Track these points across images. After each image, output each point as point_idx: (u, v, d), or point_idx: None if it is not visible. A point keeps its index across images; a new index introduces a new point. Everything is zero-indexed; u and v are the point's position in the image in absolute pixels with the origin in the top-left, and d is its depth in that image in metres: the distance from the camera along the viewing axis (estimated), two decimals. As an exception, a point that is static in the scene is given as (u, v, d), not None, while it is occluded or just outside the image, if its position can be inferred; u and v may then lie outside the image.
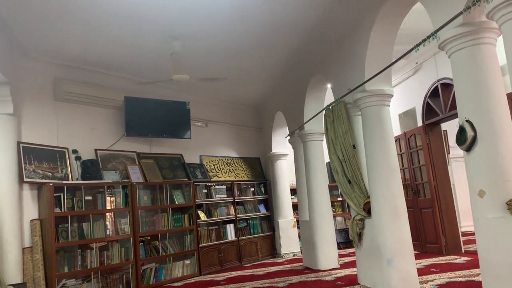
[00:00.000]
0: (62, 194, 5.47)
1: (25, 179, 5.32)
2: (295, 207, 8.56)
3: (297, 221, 8.22)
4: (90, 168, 6.02)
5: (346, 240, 8.90)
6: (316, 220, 6.50)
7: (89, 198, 5.81)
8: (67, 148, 6.03)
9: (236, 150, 8.95)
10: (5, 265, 4.87)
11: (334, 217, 8.54)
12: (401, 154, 7.62)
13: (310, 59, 6.29)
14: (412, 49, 3.70)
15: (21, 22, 4.94)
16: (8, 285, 4.67)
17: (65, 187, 5.53)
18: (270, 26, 5.56)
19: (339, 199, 9.27)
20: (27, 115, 5.68)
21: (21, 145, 5.42)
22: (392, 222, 4.52)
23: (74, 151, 6.14)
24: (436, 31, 3.33)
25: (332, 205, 8.61)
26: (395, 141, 7.62)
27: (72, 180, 5.87)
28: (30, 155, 5.49)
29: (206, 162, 8.19)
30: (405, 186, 7.32)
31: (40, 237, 5.35)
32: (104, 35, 5.42)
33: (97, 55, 6.07)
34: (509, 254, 2.81)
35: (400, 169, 7.34)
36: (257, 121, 9.42)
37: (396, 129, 7.93)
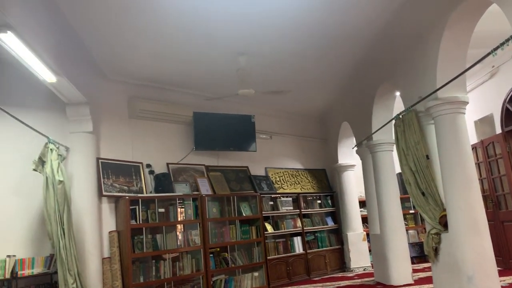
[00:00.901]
0: (137, 207, 5.73)
1: (104, 193, 5.66)
2: (364, 219, 8.31)
3: (367, 234, 7.97)
4: (163, 181, 6.27)
5: (420, 255, 8.47)
6: (388, 233, 6.26)
7: (162, 210, 6.04)
8: (141, 163, 6.34)
9: (301, 162, 8.90)
10: (87, 274, 5.18)
11: (407, 230, 8.13)
12: (478, 164, 7.14)
13: (377, 67, 6.14)
14: (489, 53, 3.48)
15: (99, 47, 5.32)
16: (90, 293, 4.96)
17: (140, 200, 5.80)
18: (335, 37, 5.51)
19: (411, 211, 8.86)
20: (104, 132, 6.06)
21: (100, 161, 5.78)
22: (471, 236, 4.23)
23: (148, 165, 6.43)
24: (516, 33, 3.11)
25: (404, 218, 8.23)
26: (472, 149, 7.21)
27: (146, 193, 6.15)
28: (108, 170, 5.84)
29: (272, 174, 8.22)
30: (484, 198, 6.83)
31: (118, 248, 5.64)
32: (174, 54, 5.68)
33: (167, 74, 6.36)
34: None
35: (478, 180, 6.95)
36: (322, 132, 9.31)
37: (472, 137, 7.44)
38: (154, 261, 5.81)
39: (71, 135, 5.54)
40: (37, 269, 4.93)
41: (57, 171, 4.77)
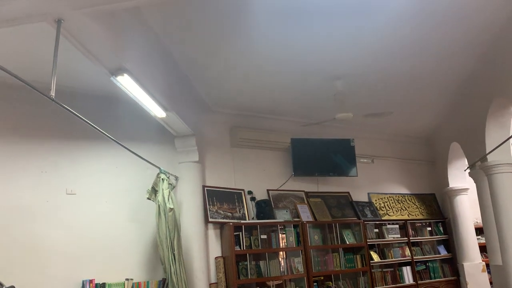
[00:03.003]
0: (240, 233, 5.87)
1: (210, 219, 5.91)
2: (482, 248, 7.53)
3: (487, 265, 7.19)
4: (264, 208, 6.36)
5: (554, 291, 7.37)
6: (511, 264, 5.58)
7: (264, 237, 6.11)
8: (243, 190, 6.53)
9: (407, 186, 8.42)
10: (195, 300, 5.40)
11: (536, 261, 7.20)
12: None
13: (489, 81, 5.64)
14: None
15: (204, 83, 5.68)
16: (199, 317, 5.14)
17: (243, 226, 5.93)
18: (441, 52, 5.21)
19: (540, 240, 7.82)
20: (209, 161, 6.36)
21: (205, 188, 6.07)
22: None
23: (250, 192, 6.60)
24: None
25: (532, 248, 7.31)
26: None
27: (248, 219, 6.29)
28: (213, 197, 6.10)
29: (375, 200, 7.89)
30: None
31: (224, 274, 5.80)
32: (270, 84, 5.83)
33: (265, 103, 6.54)
34: None
35: None
36: (428, 154, 8.74)
37: None
38: (258, 287, 5.86)
39: (180, 165, 5.92)
40: (151, 292, 5.26)
41: (168, 199, 5.10)
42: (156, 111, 4.68)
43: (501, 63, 5.14)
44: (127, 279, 5.10)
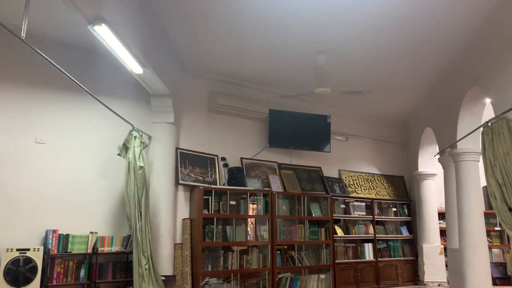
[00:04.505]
0: (210, 197, 5.92)
1: (180, 181, 5.92)
2: (442, 232, 7.82)
3: (445, 248, 7.49)
4: (236, 175, 6.41)
5: (504, 276, 7.77)
6: (467, 249, 5.81)
7: (233, 203, 6.18)
8: (216, 156, 6.54)
9: (377, 167, 8.60)
10: (159, 258, 5.46)
11: (490, 248, 7.54)
12: None
13: (466, 71, 5.72)
14: None
15: (185, 42, 5.58)
16: (161, 275, 5.21)
17: (213, 191, 5.98)
18: (423, 37, 5.25)
19: (497, 228, 8.15)
20: (185, 124, 6.33)
21: (178, 150, 6.06)
22: None
23: (223, 159, 6.62)
24: None
25: (489, 235, 7.64)
26: None
27: (219, 185, 6.33)
28: (185, 160, 6.10)
29: (345, 177, 8.04)
30: None
31: (190, 235, 5.87)
32: (253, 51, 5.77)
33: (246, 70, 6.49)
34: None
35: None
36: (402, 137, 8.90)
37: None
38: (223, 251, 5.97)
39: (154, 125, 5.89)
40: (115, 247, 5.29)
41: (139, 157, 5.08)
42: (133, 66, 4.58)
43: (481, 52, 5.20)
44: (91, 233, 5.11)
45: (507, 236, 7.87)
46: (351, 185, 8.01)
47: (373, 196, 8.10)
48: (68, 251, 4.95)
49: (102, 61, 5.33)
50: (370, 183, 8.30)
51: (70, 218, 5.12)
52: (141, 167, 5.04)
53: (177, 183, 5.92)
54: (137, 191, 4.98)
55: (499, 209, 4.55)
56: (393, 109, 8.29)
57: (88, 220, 5.25)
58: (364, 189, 8.14)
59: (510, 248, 7.88)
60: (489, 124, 4.82)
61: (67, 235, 4.97)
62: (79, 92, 4.12)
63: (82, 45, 5.29)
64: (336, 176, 7.98)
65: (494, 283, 6.92)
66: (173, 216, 5.83)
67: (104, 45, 4.01)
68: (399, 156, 8.85)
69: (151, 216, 5.30)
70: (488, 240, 6.80)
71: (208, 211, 5.88)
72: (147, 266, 4.90)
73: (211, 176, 6.32)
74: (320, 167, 7.76)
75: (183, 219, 5.99)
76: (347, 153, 8.22)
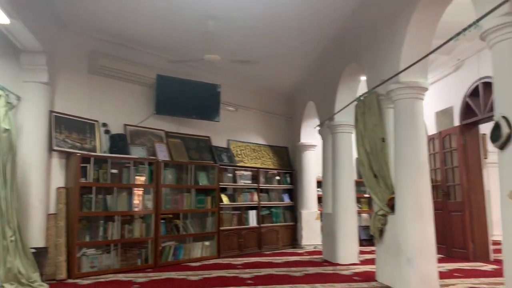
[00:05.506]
0: (88, 165, 5.58)
1: (54, 148, 5.46)
2: (320, 199, 8.42)
3: (321, 214, 8.10)
4: (118, 142, 6.11)
5: (370, 238, 8.65)
6: (339, 213, 6.36)
7: (115, 171, 5.90)
8: (97, 121, 6.14)
9: (264, 138, 8.89)
10: (29, 229, 5.02)
11: (360, 213, 8.35)
12: (434, 154, 7.33)
13: (345, 48, 6.12)
14: (451, 38, 3.50)
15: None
16: (31, 248, 4.80)
17: (92, 158, 5.64)
18: (307, 11, 5.44)
19: (366, 195, 9.03)
20: (61, 85, 5.81)
21: (53, 114, 5.56)
22: (415, 221, 4.33)
23: (104, 124, 6.25)
24: (478, 20, 3.12)
25: (359, 201, 8.42)
26: (430, 140, 7.39)
27: (99, 152, 5.98)
28: (61, 125, 5.62)
29: (233, 147, 8.17)
30: (436, 187, 7.05)
31: (65, 205, 5.48)
32: (140, 9, 5.44)
33: (132, 31, 6.13)
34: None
35: (432, 170, 7.17)
36: (288, 110, 9.30)
37: (432, 128, 7.63)
38: (103, 221, 5.70)
39: (24, 84, 5.26)
40: (-25, 219, 4.72)
41: (4, 119, 4.53)
42: (-3, 15, 4.02)
43: (358, 31, 5.58)
44: None
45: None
46: (238, 155, 8.17)
47: (259, 165, 8.38)
48: None
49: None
50: (257, 153, 8.56)
51: None
52: (6, 130, 4.51)
53: (50, 149, 5.44)
54: (2, 156, 4.45)
55: (366, 175, 5.03)
56: (281, 82, 8.57)
57: None
58: (251, 159, 8.37)
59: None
60: (362, 98, 5.23)
61: None
62: None
63: None
64: (225, 146, 8.07)
65: (362, 245, 7.70)
66: (46, 184, 5.37)
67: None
68: (284, 128, 9.25)
69: (20, 184, 4.81)
70: (358, 206, 7.51)
71: (86, 180, 5.54)
72: (13, 238, 4.46)
73: (90, 143, 5.93)
74: (209, 137, 7.76)
75: (57, 188, 5.56)
76: (236, 123, 8.34)
